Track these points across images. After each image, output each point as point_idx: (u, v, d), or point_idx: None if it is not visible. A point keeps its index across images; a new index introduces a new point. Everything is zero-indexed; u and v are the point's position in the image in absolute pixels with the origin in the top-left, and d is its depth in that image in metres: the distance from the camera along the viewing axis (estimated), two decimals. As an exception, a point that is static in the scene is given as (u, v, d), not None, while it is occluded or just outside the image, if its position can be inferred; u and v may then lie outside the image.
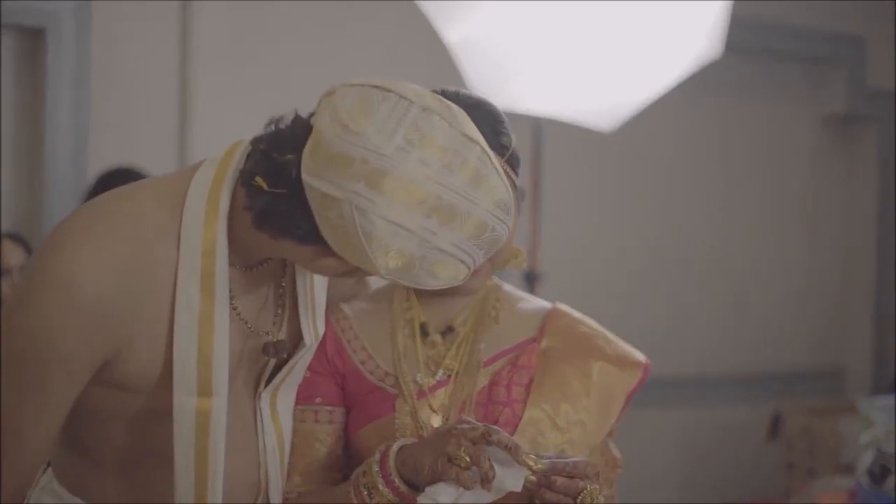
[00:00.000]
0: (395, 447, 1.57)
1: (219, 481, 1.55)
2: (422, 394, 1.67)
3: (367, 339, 1.72)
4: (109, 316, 1.44)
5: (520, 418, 1.67)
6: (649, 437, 4.65)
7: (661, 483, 4.75)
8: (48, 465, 1.69)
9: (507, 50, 3.05)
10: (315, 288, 1.65)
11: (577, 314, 1.78)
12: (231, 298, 1.53)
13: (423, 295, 1.74)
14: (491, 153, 1.43)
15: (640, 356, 1.75)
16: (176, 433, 1.52)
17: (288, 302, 1.63)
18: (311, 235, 1.41)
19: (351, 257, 1.41)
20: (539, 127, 3.53)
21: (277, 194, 1.41)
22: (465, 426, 1.55)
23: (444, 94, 1.65)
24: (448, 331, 1.72)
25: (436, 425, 1.65)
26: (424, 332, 1.71)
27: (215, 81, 3.73)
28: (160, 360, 1.50)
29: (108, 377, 1.50)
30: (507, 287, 1.79)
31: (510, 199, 1.44)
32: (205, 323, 1.49)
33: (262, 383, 1.66)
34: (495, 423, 1.65)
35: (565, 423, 1.68)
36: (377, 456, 1.58)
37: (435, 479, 1.52)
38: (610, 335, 1.77)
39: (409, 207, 1.36)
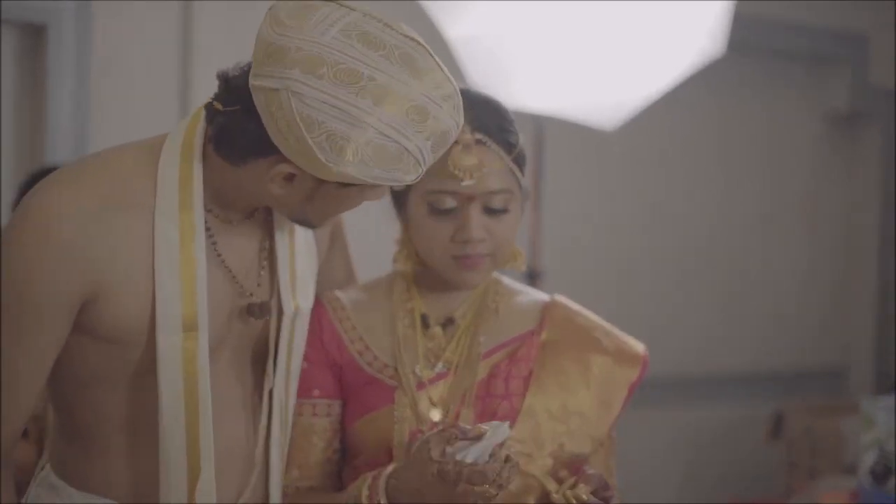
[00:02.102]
0: (382, 479, 1.57)
1: (208, 425, 1.55)
2: (421, 385, 1.67)
3: (364, 329, 1.72)
4: (85, 253, 1.47)
5: (518, 411, 1.67)
6: (650, 437, 4.64)
7: (661, 483, 4.74)
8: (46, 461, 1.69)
9: (509, 48, 3.05)
10: (297, 257, 1.66)
11: (575, 306, 1.78)
12: (214, 244, 1.56)
13: (424, 287, 1.74)
14: (434, 55, 1.44)
15: (638, 348, 1.75)
16: (162, 377, 1.53)
17: (270, 265, 1.65)
18: (262, 143, 1.44)
19: (299, 157, 1.42)
20: (540, 125, 3.53)
21: (231, 112, 1.46)
22: (434, 454, 1.52)
23: (462, 88, 1.66)
24: (448, 323, 1.72)
25: (435, 419, 1.65)
26: (425, 323, 1.71)
27: (216, 81, 3.72)
28: (141, 305, 1.52)
29: (90, 324, 1.51)
30: (506, 280, 1.79)
31: (458, 96, 1.45)
32: (185, 256, 1.52)
33: (271, 370, 1.65)
34: (493, 415, 1.66)
35: (564, 415, 1.69)
36: (368, 481, 1.58)
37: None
38: (608, 326, 1.77)
39: (344, 88, 1.38)
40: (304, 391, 1.70)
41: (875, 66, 5.06)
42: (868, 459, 2.77)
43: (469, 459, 1.49)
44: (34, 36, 3.51)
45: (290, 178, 1.47)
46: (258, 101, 1.42)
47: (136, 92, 3.60)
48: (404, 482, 1.55)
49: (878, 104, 5.08)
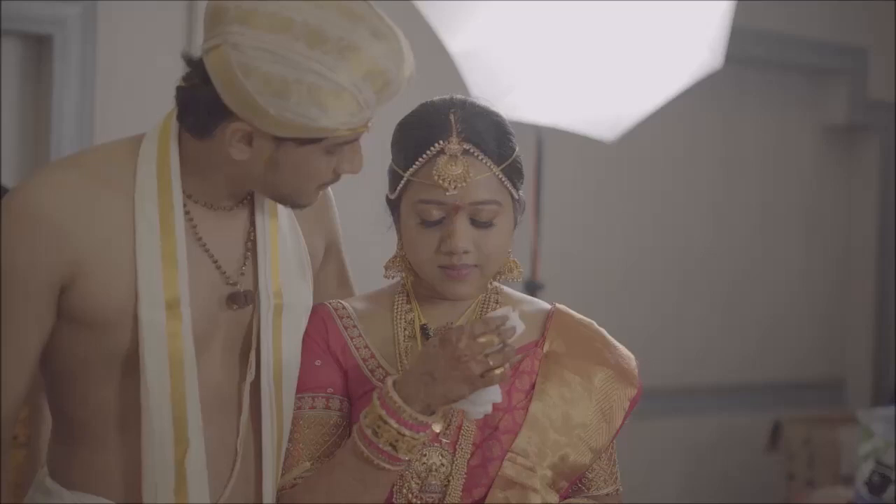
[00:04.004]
0: (388, 385, 1.57)
1: (195, 399, 1.56)
2: None
3: (370, 338, 1.71)
4: (64, 233, 1.52)
5: (520, 425, 1.67)
6: (648, 447, 4.65)
7: (659, 493, 4.74)
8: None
9: (509, 61, 3.06)
10: (280, 249, 1.67)
11: (577, 315, 1.78)
12: (194, 227, 1.59)
13: (424, 297, 1.73)
14: (372, 5, 1.50)
15: (634, 371, 1.76)
16: (147, 354, 1.54)
17: (255, 257, 1.66)
18: (217, 107, 1.50)
19: (245, 109, 1.48)
20: (540, 137, 3.54)
21: (193, 85, 1.53)
22: (461, 346, 1.53)
23: (453, 101, 1.67)
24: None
25: (437, 430, 1.64)
26: (426, 334, 1.71)
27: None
28: (123, 285, 1.54)
29: (74, 309, 1.54)
30: (507, 290, 1.78)
31: (397, 40, 1.51)
32: (165, 235, 1.55)
33: (253, 361, 1.65)
34: (495, 429, 1.66)
35: (567, 426, 1.68)
36: (376, 401, 1.57)
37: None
38: (609, 338, 1.76)
39: (278, 34, 1.45)
40: (318, 386, 1.68)
41: (874, 80, 5.08)
42: (865, 470, 2.79)
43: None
44: (38, 46, 3.52)
45: (248, 139, 1.52)
46: (208, 64, 1.49)
47: (140, 101, 3.61)
48: (412, 374, 1.56)
49: (877, 117, 5.10)
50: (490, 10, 3.06)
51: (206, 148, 1.55)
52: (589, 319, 1.78)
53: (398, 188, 1.66)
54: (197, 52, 1.54)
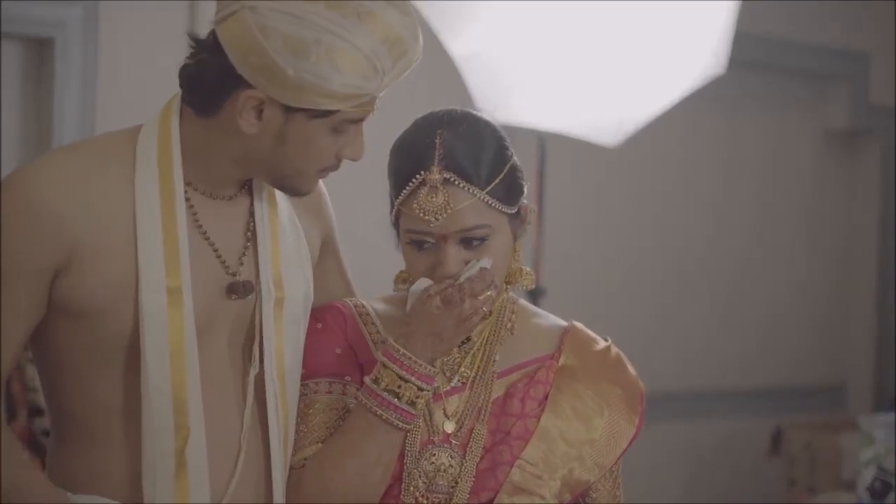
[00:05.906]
0: (399, 348, 1.61)
1: (196, 384, 1.56)
2: (437, 397, 1.68)
3: (390, 338, 1.72)
4: (59, 216, 1.51)
5: (531, 432, 1.68)
6: (649, 452, 4.63)
7: (659, 497, 4.73)
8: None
9: (511, 65, 3.07)
10: (280, 241, 1.67)
11: (591, 333, 1.79)
12: (195, 214, 1.59)
13: None
14: None
15: (640, 397, 1.76)
16: (147, 338, 1.54)
17: (255, 248, 1.66)
18: (228, 77, 1.51)
19: (260, 74, 1.48)
20: (543, 142, 3.54)
21: (200, 60, 1.54)
22: (431, 292, 1.61)
23: (442, 119, 1.67)
24: (464, 339, 1.72)
25: (449, 430, 1.67)
26: None
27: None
28: (121, 270, 1.54)
29: (68, 296, 1.53)
30: (523, 302, 1.79)
31: (415, 19, 1.53)
32: (166, 217, 1.56)
33: (257, 354, 1.64)
34: (507, 434, 1.68)
35: (577, 441, 1.70)
36: (392, 364, 1.61)
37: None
38: (623, 360, 1.77)
39: None
40: (338, 373, 1.70)
41: (876, 84, 5.09)
42: (867, 476, 2.79)
43: (463, 278, 1.62)
44: (39, 48, 3.52)
45: (259, 111, 1.52)
46: (222, 34, 1.50)
47: (141, 102, 3.60)
48: (416, 336, 1.62)
49: (878, 121, 5.10)
50: (492, 12, 3.07)
51: (211, 127, 1.56)
52: (605, 340, 1.78)
53: (392, 214, 1.68)
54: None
